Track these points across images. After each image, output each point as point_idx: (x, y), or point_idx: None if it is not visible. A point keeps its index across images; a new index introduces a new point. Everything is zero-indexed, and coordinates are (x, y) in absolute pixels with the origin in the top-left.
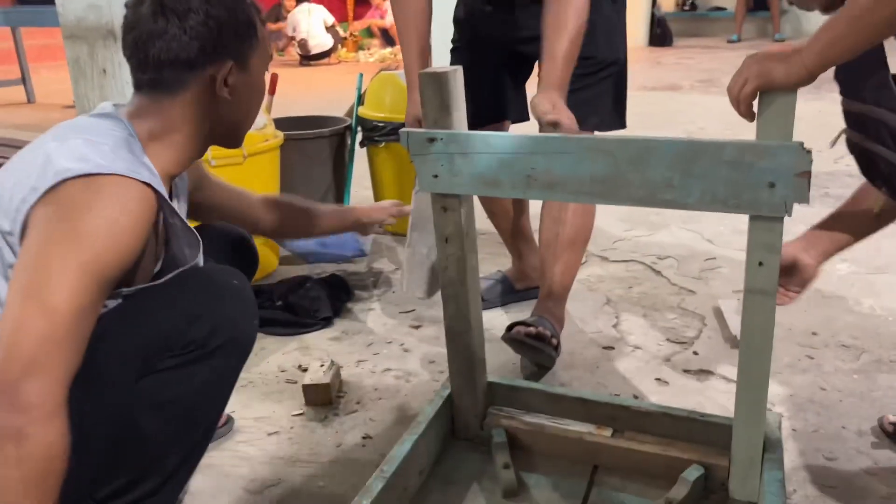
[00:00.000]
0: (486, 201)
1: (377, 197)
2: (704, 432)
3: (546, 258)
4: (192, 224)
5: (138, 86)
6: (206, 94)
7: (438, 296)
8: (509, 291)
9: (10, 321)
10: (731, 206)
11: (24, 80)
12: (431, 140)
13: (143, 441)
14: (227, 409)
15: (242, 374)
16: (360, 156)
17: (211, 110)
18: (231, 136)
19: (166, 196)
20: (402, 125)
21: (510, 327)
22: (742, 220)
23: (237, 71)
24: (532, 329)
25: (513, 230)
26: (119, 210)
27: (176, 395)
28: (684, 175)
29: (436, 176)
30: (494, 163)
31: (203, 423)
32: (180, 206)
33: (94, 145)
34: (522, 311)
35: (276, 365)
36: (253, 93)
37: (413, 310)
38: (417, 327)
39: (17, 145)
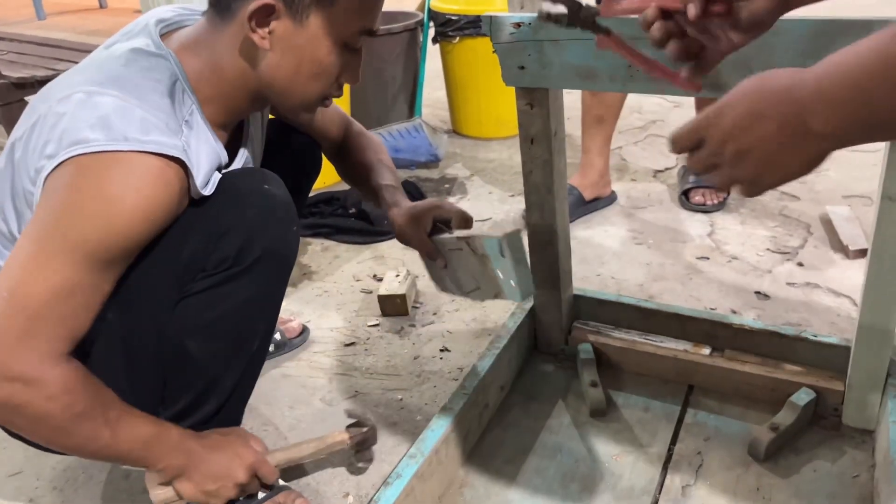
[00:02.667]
0: (593, 102)
1: (450, 98)
2: (815, 354)
3: None
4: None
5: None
6: (247, 35)
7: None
8: (580, 204)
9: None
10: None
11: None
12: (517, 25)
13: (194, 363)
14: (303, 319)
15: (317, 283)
16: (433, 53)
17: (251, 59)
18: (280, 105)
19: (217, 156)
20: (479, 18)
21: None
22: None
23: (286, 17)
24: None
25: (603, 128)
26: (127, 190)
27: (219, 314)
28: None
29: (522, 67)
30: (590, 51)
31: (254, 339)
32: (253, 146)
33: (123, 110)
34: (593, 226)
35: (350, 274)
36: (303, 59)
37: (489, 218)
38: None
39: (88, 49)
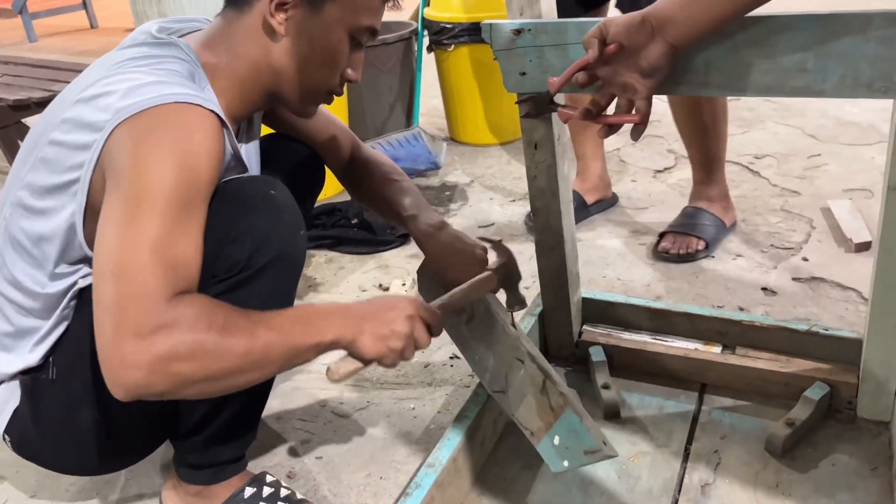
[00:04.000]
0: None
1: (447, 106)
2: (826, 347)
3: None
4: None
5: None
6: (266, 25)
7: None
8: (581, 207)
9: (103, 286)
10: (878, 91)
11: (84, 5)
12: (518, 32)
13: None
14: None
15: (322, 295)
16: (428, 62)
17: (266, 46)
18: (289, 95)
19: (231, 131)
20: (473, 25)
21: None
22: (847, 111)
23: (304, 5)
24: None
25: (589, 133)
26: (182, 133)
27: None
28: (821, 56)
29: (523, 73)
30: None
31: None
32: (249, 150)
33: (150, 81)
34: (595, 227)
35: (356, 284)
36: (315, 44)
37: (492, 224)
38: (498, 241)
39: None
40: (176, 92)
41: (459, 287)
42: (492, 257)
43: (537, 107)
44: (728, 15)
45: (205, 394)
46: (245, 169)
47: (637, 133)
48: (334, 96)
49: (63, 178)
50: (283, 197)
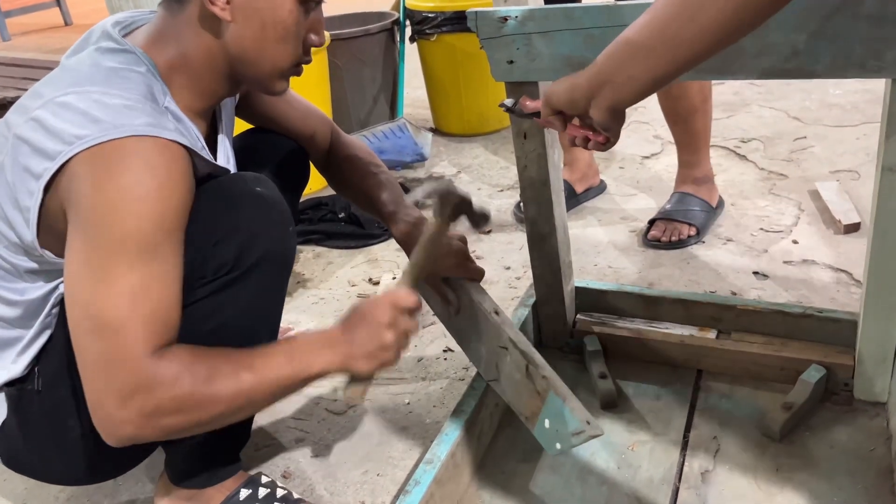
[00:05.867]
0: None
1: (431, 97)
2: (822, 330)
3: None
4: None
5: None
6: (208, 13)
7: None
8: (571, 196)
9: (81, 340)
10: (870, 70)
11: (58, 2)
12: (504, 20)
13: None
14: (302, 327)
15: (312, 291)
16: (411, 52)
17: (216, 35)
18: (254, 77)
19: (198, 144)
20: (456, 14)
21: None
22: (830, 93)
23: None
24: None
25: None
26: (143, 175)
27: (222, 320)
28: (813, 37)
29: (511, 62)
30: (581, 41)
31: (259, 344)
32: (225, 135)
33: (104, 104)
34: (585, 216)
35: (345, 279)
36: (266, 22)
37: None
38: (487, 232)
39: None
40: (136, 123)
41: (413, 252)
42: (431, 207)
43: (517, 113)
44: (668, 72)
45: (199, 432)
46: (221, 170)
47: (604, 149)
48: (303, 66)
49: (19, 202)
50: (270, 193)
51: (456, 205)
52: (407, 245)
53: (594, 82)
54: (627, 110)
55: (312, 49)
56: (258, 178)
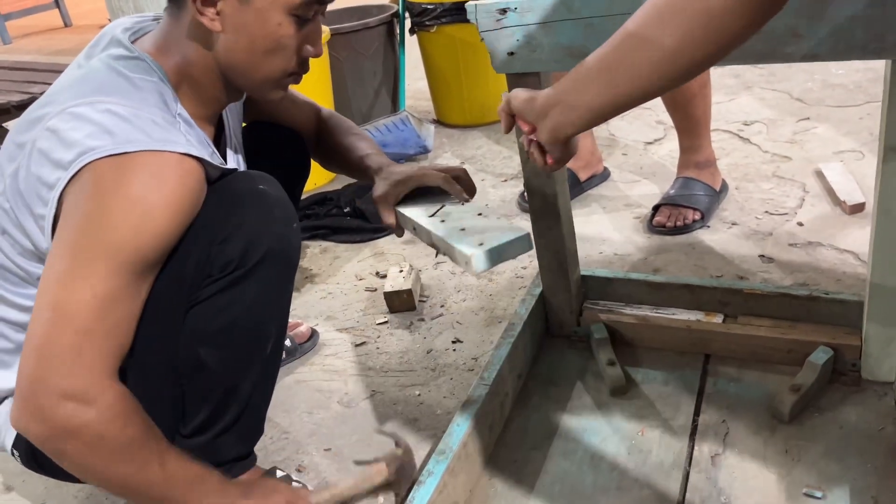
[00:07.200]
0: None
1: (432, 88)
2: (828, 311)
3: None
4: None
5: None
6: (198, 21)
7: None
8: (575, 184)
9: (38, 326)
10: (872, 52)
11: (57, 3)
12: (503, 11)
13: (209, 372)
14: (310, 323)
15: (319, 286)
16: (411, 44)
17: (208, 44)
18: (246, 87)
19: (209, 150)
20: (456, 5)
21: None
22: (833, 74)
23: None
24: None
25: None
26: (150, 189)
27: (230, 319)
28: (813, 20)
29: (511, 53)
30: (581, 31)
31: (267, 342)
32: (232, 137)
33: (117, 116)
34: (589, 203)
35: (352, 274)
36: (255, 34)
37: (485, 205)
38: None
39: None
40: (150, 138)
41: (348, 481)
42: (391, 454)
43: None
44: (609, 107)
45: (69, 472)
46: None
47: (551, 170)
48: (302, 75)
49: (33, 210)
50: (272, 191)
51: (407, 473)
52: (380, 172)
53: (547, 102)
54: None
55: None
56: (261, 176)
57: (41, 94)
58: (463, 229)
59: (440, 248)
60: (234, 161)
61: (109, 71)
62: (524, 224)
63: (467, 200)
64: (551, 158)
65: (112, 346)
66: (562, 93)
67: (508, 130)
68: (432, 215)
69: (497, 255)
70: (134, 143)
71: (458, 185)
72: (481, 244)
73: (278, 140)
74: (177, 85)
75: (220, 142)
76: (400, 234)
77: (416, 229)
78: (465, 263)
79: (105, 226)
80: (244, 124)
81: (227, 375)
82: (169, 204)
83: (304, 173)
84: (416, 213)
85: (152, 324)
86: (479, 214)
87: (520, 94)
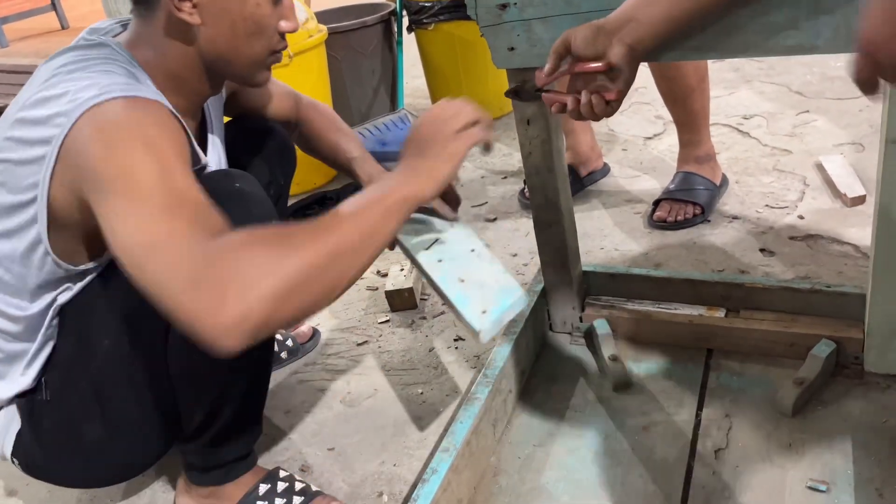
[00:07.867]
0: None
1: (431, 86)
2: (831, 304)
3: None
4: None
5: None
6: (177, 19)
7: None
8: (576, 181)
9: (152, 268)
10: None
11: (53, 5)
12: (503, 6)
13: (198, 377)
14: (312, 323)
15: None
16: (409, 42)
17: (188, 40)
18: (233, 74)
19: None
20: (454, 3)
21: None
22: (832, 66)
23: None
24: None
25: None
26: (149, 109)
27: None
28: (813, 12)
29: (512, 49)
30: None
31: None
32: (214, 131)
33: (97, 80)
34: (590, 199)
35: None
36: (235, 20)
37: (485, 203)
38: (493, 220)
39: None
40: (118, 84)
41: None
42: None
43: (524, 95)
44: (685, 17)
45: (313, 309)
46: (203, 168)
47: (607, 113)
48: (282, 52)
49: (21, 198)
50: (250, 189)
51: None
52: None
53: (618, 20)
54: (627, 96)
55: (311, 42)
56: (237, 174)
57: None
58: (462, 280)
59: (444, 301)
60: (217, 158)
61: (70, 57)
62: (525, 224)
63: (455, 219)
64: (616, 91)
65: (204, 218)
66: (634, 8)
67: (551, 72)
68: (428, 248)
69: (499, 324)
70: (119, 91)
71: (446, 205)
72: (484, 311)
73: (261, 133)
74: (152, 77)
75: (200, 138)
76: (391, 249)
77: (413, 263)
78: (473, 335)
79: (122, 164)
80: (226, 119)
81: (216, 378)
82: (166, 123)
83: (291, 165)
84: (412, 243)
85: (138, 331)
86: (472, 251)
87: (579, 28)
